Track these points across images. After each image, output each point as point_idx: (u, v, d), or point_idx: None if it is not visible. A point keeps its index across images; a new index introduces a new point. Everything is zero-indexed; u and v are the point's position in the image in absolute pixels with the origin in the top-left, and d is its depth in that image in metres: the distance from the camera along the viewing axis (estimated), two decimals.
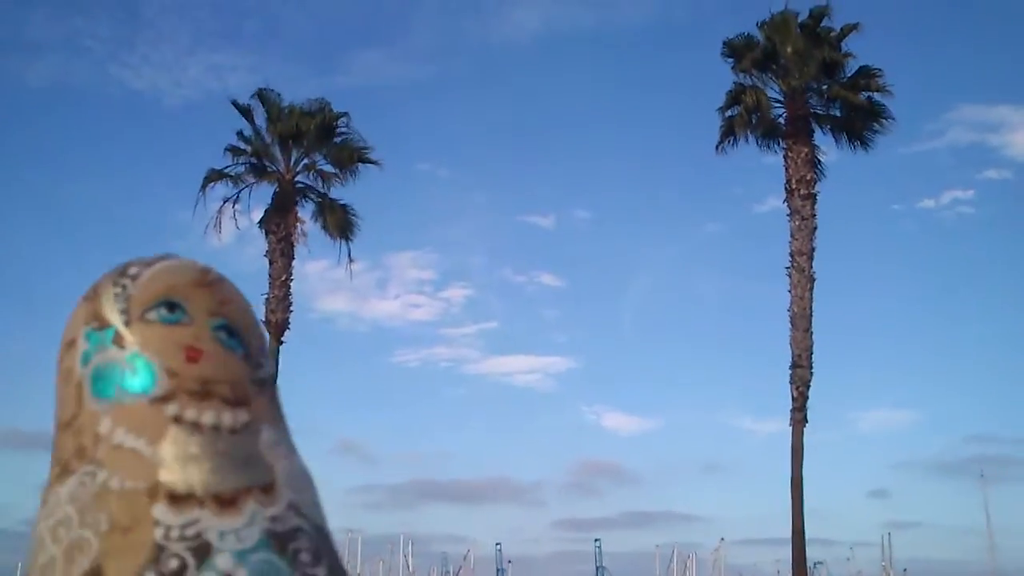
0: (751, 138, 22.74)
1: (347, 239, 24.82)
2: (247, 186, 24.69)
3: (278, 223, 24.05)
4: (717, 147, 23.12)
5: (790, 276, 21.72)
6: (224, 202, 24.61)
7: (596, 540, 57.56)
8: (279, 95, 25.02)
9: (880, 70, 22.32)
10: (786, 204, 22.03)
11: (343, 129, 25.03)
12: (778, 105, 22.52)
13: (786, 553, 21.95)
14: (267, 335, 0.69)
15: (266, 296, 23.86)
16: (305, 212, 24.77)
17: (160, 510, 0.24)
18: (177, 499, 0.25)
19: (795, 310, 21.52)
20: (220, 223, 24.50)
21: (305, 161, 24.85)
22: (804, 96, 22.30)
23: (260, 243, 24.45)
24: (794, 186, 21.84)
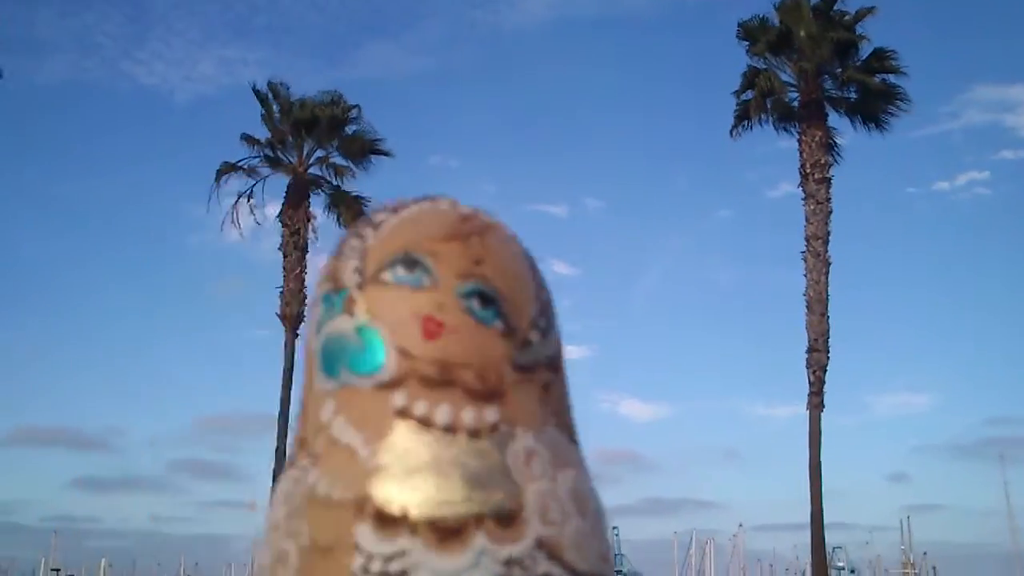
0: (765, 122, 22.61)
1: None
2: (261, 179, 24.75)
3: (291, 216, 24.07)
4: (731, 131, 23.01)
5: (805, 260, 21.60)
6: (239, 196, 24.68)
7: (614, 528, 57.66)
8: (287, 88, 25.03)
9: (895, 52, 22.16)
10: (801, 188, 21.90)
11: (355, 121, 25.04)
12: (792, 89, 22.38)
13: (805, 538, 21.88)
14: (552, 305, 0.35)
15: (280, 289, 23.92)
16: (318, 204, 24.82)
17: (364, 532, 0.21)
18: (386, 521, 0.21)
19: (811, 294, 21.40)
20: (237, 217, 24.58)
21: (318, 153, 24.87)
22: (818, 79, 22.14)
23: (276, 236, 24.52)
24: (809, 170, 21.70)
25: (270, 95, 24.80)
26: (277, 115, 24.72)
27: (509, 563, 0.21)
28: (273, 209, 24.73)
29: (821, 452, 20.35)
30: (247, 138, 24.63)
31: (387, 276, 0.23)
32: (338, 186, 24.80)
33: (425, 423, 0.21)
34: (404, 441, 0.21)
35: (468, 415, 0.22)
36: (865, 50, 22.13)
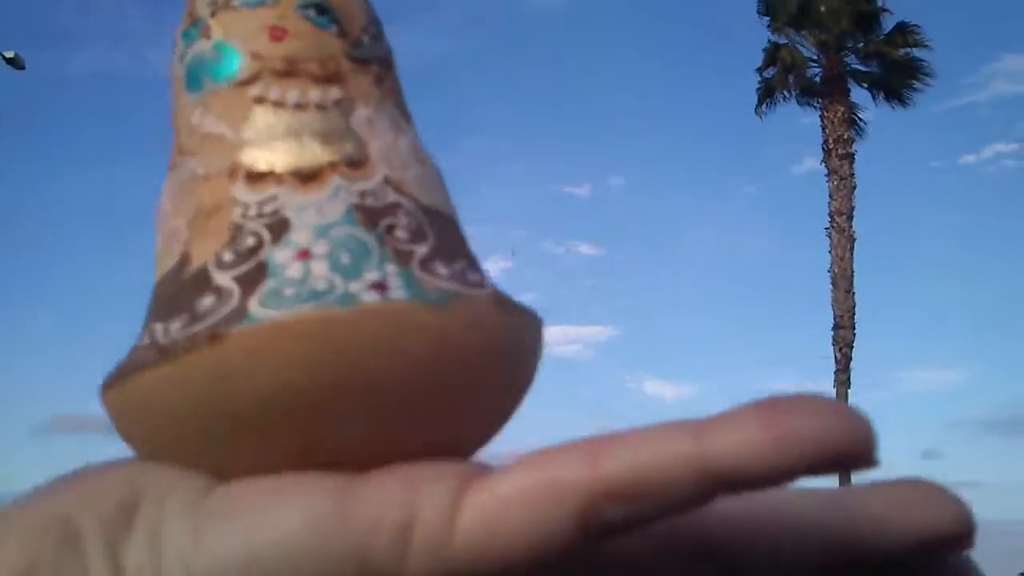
0: (789, 98, 22.48)
1: None
2: None
3: None
4: (756, 109, 22.89)
5: (830, 237, 21.50)
6: None
7: None
8: None
9: (918, 26, 21.92)
10: (824, 164, 21.76)
11: None
12: (813, 64, 22.22)
13: None
14: (378, 18, 0.30)
15: None
16: None
17: (240, 190, 0.26)
18: (256, 177, 0.26)
19: (836, 271, 21.31)
20: None
21: None
22: (840, 53, 21.97)
23: None
24: (831, 145, 21.57)
25: None
26: None
27: (363, 195, 0.26)
28: None
29: None
30: None
31: (235, 2, 0.28)
32: None
33: (279, 104, 0.27)
34: (263, 120, 0.26)
35: (314, 94, 0.27)
36: (888, 23, 21.94)
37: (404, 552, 0.22)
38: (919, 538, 0.23)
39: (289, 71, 0.27)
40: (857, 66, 22.41)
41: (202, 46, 0.28)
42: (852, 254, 21.12)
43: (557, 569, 0.22)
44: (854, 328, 20.96)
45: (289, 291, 0.24)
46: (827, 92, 21.87)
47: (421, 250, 0.26)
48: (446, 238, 0.26)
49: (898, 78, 22.04)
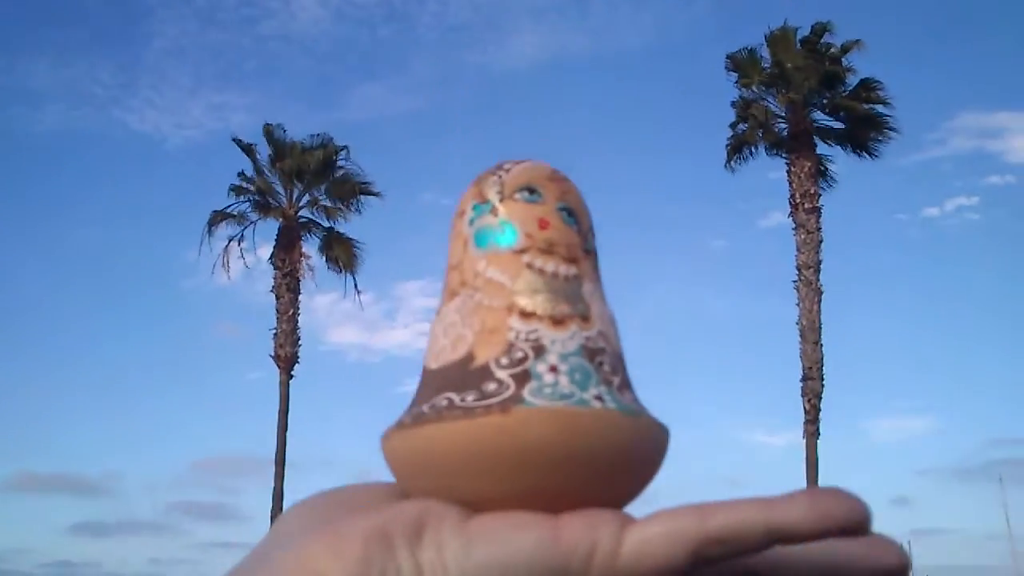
0: (757, 153, 22.81)
1: (353, 271, 24.93)
2: (251, 223, 24.86)
3: (283, 259, 24.17)
4: (727, 164, 23.20)
5: (797, 289, 21.70)
6: (229, 241, 24.75)
7: None
8: (284, 130, 25.22)
9: (881, 83, 22.40)
10: (791, 218, 22.04)
11: (344, 163, 25.19)
12: (781, 120, 22.60)
13: None
14: (592, 220, 0.45)
15: (274, 331, 23.95)
16: (311, 246, 24.91)
17: (514, 320, 0.38)
18: (525, 315, 0.38)
19: (804, 323, 21.49)
20: (227, 262, 24.66)
21: (307, 197, 24.99)
22: (806, 110, 22.36)
23: (268, 279, 24.58)
24: (799, 200, 21.87)
25: (265, 140, 24.97)
26: (265, 161, 24.89)
27: (587, 339, 0.38)
28: (265, 252, 24.86)
29: (818, 479, 20.33)
30: (236, 189, 24.80)
31: (517, 196, 0.40)
32: (331, 228, 24.93)
33: (541, 271, 0.38)
34: (530, 278, 0.38)
35: (562, 269, 0.39)
36: (852, 81, 22.38)
37: (589, 568, 0.35)
38: (877, 569, 0.38)
39: (548, 250, 0.40)
40: (824, 122, 22.82)
41: (490, 220, 0.41)
42: (819, 306, 21.32)
43: None
44: (823, 379, 21.12)
45: (547, 390, 0.36)
46: (794, 147, 22.23)
47: (616, 380, 0.39)
48: (626, 374, 0.40)
49: (863, 132, 22.44)
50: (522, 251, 0.40)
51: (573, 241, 0.41)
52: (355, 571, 0.34)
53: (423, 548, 0.35)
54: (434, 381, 0.39)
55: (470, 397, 0.37)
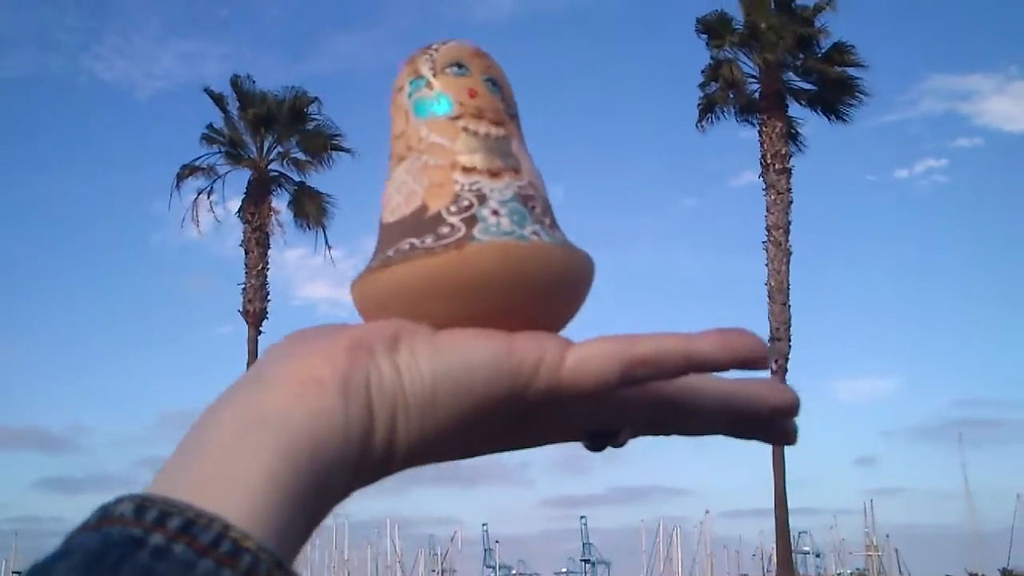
0: (729, 113, 22.80)
1: (323, 226, 24.78)
2: (221, 176, 24.61)
3: (253, 212, 23.97)
4: (698, 124, 23.19)
5: (766, 250, 21.83)
6: (199, 194, 24.55)
7: (582, 517, 57.93)
8: (253, 82, 24.88)
9: (853, 46, 22.41)
10: (762, 178, 22.11)
11: (316, 116, 24.93)
12: (753, 80, 22.58)
13: (771, 524, 22.17)
14: (511, 89, 0.50)
15: (243, 286, 23.81)
16: (281, 201, 24.71)
17: (457, 175, 0.45)
18: (466, 170, 0.45)
19: (772, 284, 21.64)
20: (197, 214, 24.43)
21: (278, 149, 24.75)
22: (779, 71, 22.34)
23: (238, 232, 24.37)
24: (769, 160, 21.93)
25: (233, 92, 24.65)
26: (236, 112, 24.58)
27: (520, 187, 0.45)
28: (234, 205, 24.64)
29: None
30: (207, 137, 24.51)
31: (448, 71, 0.47)
32: (301, 182, 24.73)
33: (474, 133, 0.45)
34: (466, 140, 0.45)
35: (492, 130, 0.46)
36: (826, 43, 22.36)
37: (535, 376, 0.42)
38: (772, 407, 0.47)
39: (478, 115, 0.46)
40: (796, 83, 22.82)
41: (426, 92, 0.47)
42: (788, 267, 21.49)
43: (598, 404, 0.44)
44: (790, 340, 21.33)
45: (493, 229, 0.44)
46: (766, 108, 22.22)
47: (547, 220, 0.46)
48: (554, 216, 0.47)
49: (835, 95, 22.46)
50: (457, 117, 0.46)
51: (499, 107, 0.47)
52: (343, 370, 0.40)
53: (399, 353, 0.42)
54: (393, 231, 0.46)
55: (428, 239, 0.44)
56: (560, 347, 0.43)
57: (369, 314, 0.46)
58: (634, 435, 0.48)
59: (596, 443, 0.48)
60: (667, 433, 0.49)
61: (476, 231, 0.44)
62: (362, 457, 0.40)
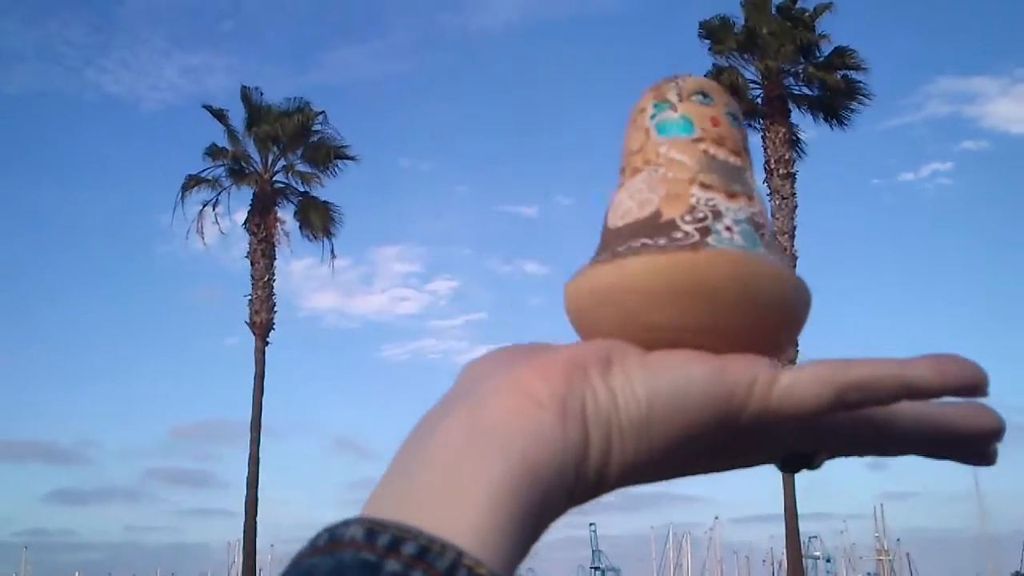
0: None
1: (329, 236, 24.84)
2: (225, 189, 24.69)
3: (258, 224, 24.03)
4: None
5: None
6: (204, 206, 24.62)
7: (591, 524, 57.82)
8: (262, 94, 24.96)
9: (855, 51, 22.42)
10: (766, 184, 22.11)
11: (320, 128, 24.99)
12: (755, 86, 22.60)
13: (781, 529, 22.10)
14: (745, 128, 0.52)
15: (249, 297, 23.86)
16: (286, 211, 24.77)
17: (695, 189, 0.46)
18: (704, 186, 0.46)
19: None
20: (202, 227, 24.51)
21: (283, 162, 24.81)
22: (781, 77, 22.36)
23: (244, 244, 24.43)
24: (773, 166, 21.94)
25: (242, 103, 24.72)
26: (240, 126, 24.67)
27: (752, 214, 0.46)
28: (240, 217, 24.70)
29: None
30: (211, 153, 24.58)
31: (693, 98, 0.48)
32: (306, 192, 24.79)
33: (714, 158, 0.46)
34: (706, 161, 0.46)
35: (731, 159, 0.47)
36: (827, 48, 22.37)
37: (749, 399, 0.41)
38: (979, 430, 0.45)
39: (719, 142, 0.48)
40: (797, 89, 22.83)
41: (670, 115, 0.48)
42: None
43: (800, 426, 0.44)
44: (796, 345, 21.09)
45: (726, 242, 0.44)
46: (768, 114, 22.24)
47: (775, 248, 0.46)
48: (779, 249, 0.48)
49: (837, 100, 22.46)
50: (699, 140, 0.47)
51: (737, 138, 0.49)
52: (561, 391, 0.40)
53: (613, 375, 0.41)
54: (621, 233, 0.46)
55: (662, 240, 0.44)
56: (772, 371, 0.42)
57: (587, 307, 0.46)
58: (831, 456, 0.48)
59: (792, 465, 0.47)
60: (864, 454, 0.48)
61: (710, 239, 0.44)
62: (577, 479, 0.40)
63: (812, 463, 0.47)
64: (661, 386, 0.41)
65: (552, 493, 0.38)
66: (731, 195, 0.46)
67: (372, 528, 0.34)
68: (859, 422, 0.45)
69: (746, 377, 0.42)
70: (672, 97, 0.49)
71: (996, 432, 0.45)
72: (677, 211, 0.45)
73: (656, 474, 0.46)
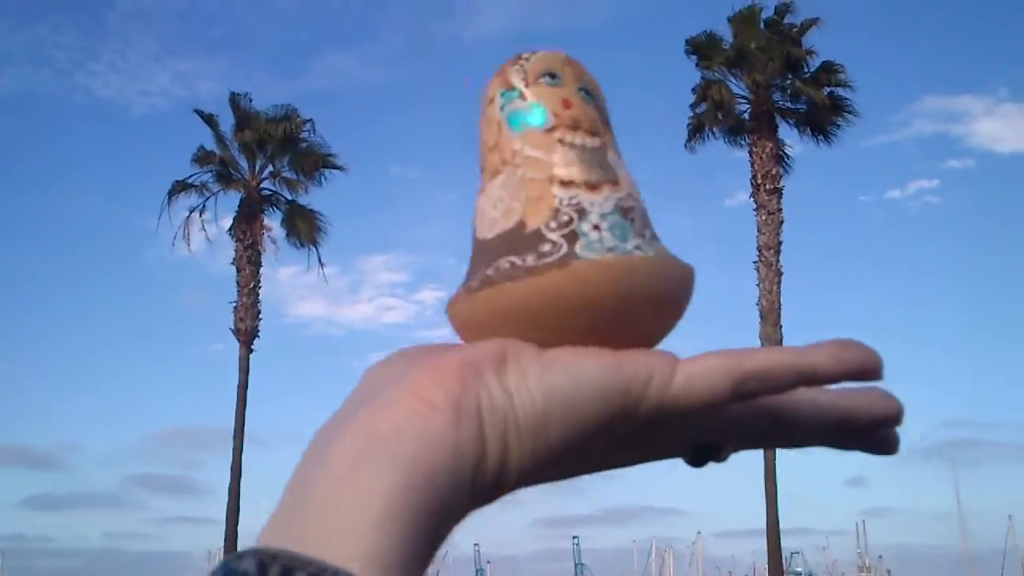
0: (718, 134, 22.87)
1: (315, 244, 24.79)
2: (213, 195, 24.62)
3: (245, 231, 23.97)
4: (686, 144, 23.26)
5: (758, 270, 21.85)
6: (191, 212, 24.56)
7: (575, 538, 57.76)
8: (251, 100, 24.92)
9: (842, 65, 22.55)
10: (752, 199, 22.17)
11: (307, 135, 24.96)
12: (742, 101, 22.68)
13: (763, 544, 22.09)
14: (604, 97, 0.50)
15: (234, 304, 23.77)
16: (273, 219, 24.72)
17: (556, 189, 0.44)
18: (564, 184, 0.44)
19: (763, 304, 21.65)
20: (188, 233, 24.44)
21: (270, 168, 24.77)
22: (768, 92, 22.45)
23: (231, 249, 24.35)
24: (760, 181, 21.99)
25: (231, 109, 24.69)
26: (229, 132, 24.62)
27: (620, 199, 0.44)
28: (227, 223, 24.63)
29: (776, 459, 20.58)
30: (198, 159, 24.52)
31: (540, 81, 0.46)
32: (293, 200, 24.74)
33: (571, 144, 0.44)
34: (563, 152, 0.44)
35: (588, 141, 0.45)
36: (813, 63, 22.48)
37: (646, 392, 0.41)
38: (875, 416, 0.45)
39: (574, 126, 0.45)
40: (784, 104, 22.92)
41: (519, 104, 0.46)
42: (779, 287, 21.50)
43: (703, 419, 0.44)
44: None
45: (595, 245, 0.43)
46: (755, 129, 22.31)
47: (647, 232, 0.45)
48: (652, 227, 0.46)
49: (823, 116, 22.55)
50: (552, 129, 0.45)
51: (593, 116, 0.47)
52: (454, 392, 0.39)
53: (508, 374, 0.41)
54: (491, 248, 0.45)
55: (530, 258, 0.43)
56: (669, 363, 0.42)
57: (470, 335, 0.46)
58: (736, 449, 0.48)
59: (698, 458, 0.47)
60: (769, 446, 0.48)
61: (578, 248, 0.43)
62: (475, 481, 0.39)
63: (719, 456, 0.47)
64: (557, 383, 0.41)
65: (450, 497, 0.38)
66: (593, 186, 0.45)
67: (263, 560, 0.34)
68: (760, 413, 0.45)
69: (642, 371, 0.41)
70: (518, 83, 0.47)
71: (894, 417, 0.46)
72: (541, 219, 0.44)
73: (558, 472, 0.46)
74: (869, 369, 0.42)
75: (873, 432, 0.47)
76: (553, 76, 0.47)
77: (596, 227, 0.44)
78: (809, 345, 0.42)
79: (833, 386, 0.44)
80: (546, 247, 0.43)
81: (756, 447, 0.48)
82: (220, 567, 0.35)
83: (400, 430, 0.38)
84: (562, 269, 0.43)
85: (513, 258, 0.44)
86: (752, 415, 0.45)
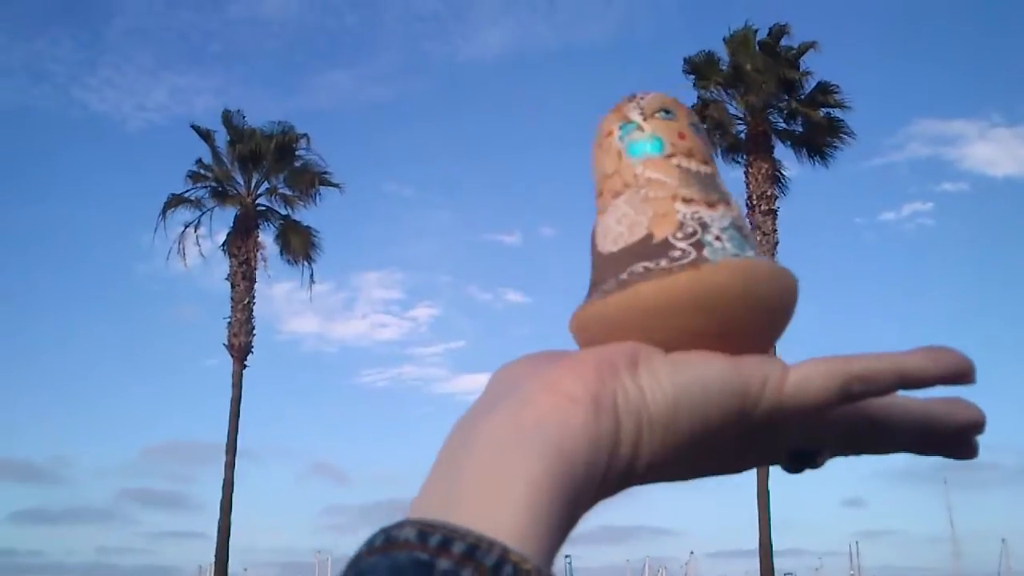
0: (716, 154, 22.88)
1: (310, 261, 24.80)
2: (208, 210, 24.63)
3: (239, 246, 23.96)
4: None
5: None
6: (185, 227, 24.58)
7: (567, 556, 57.55)
8: (244, 117, 24.97)
9: (838, 86, 22.65)
10: (747, 219, 22.11)
11: (304, 152, 25.00)
12: (739, 121, 22.75)
13: (756, 564, 22.01)
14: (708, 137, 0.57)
15: (228, 320, 23.74)
16: (268, 235, 24.72)
17: (679, 205, 0.47)
18: (686, 201, 0.47)
19: None
20: (183, 248, 24.43)
21: (266, 185, 24.79)
22: (764, 112, 22.54)
23: (224, 266, 24.33)
24: (755, 201, 22.07)
25: (224, 126, 24.72)
26: (224, 148, 24.64)
27: (734, 217, 0.48)
28: (222, 237, 24.62)
29: (769, 480, 20.55)
30: (194, 175, 24.54)
31: (657, 116, 0.50)
32: (287, 216, 24.75)
33: (688, 170, 0.48)
34: (682, 175, 0.48)
35: (703, 168, 0.48)
36: (810, 84, 22.57)
37: (762, 394, 0.45)
38: (961, 423, 0.49)
39: (688, 154, 0.50)
40: (780, 125, 23.00)
41: (639, 134, 0.50)
42: None
43: (808, 424, 0.48)
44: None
45: (720, 252, 0.47)
46: (752, 149, 22.40)
47: (752, 240, 0.49)
48: (756, 241, 0.51)
49: (820, 137, 22.63)
50: (670, 156, 0.50)
51: (704, 148, 0.51)
52: (593, 387, 0.43)
53: (640, 373, 0.45)
54: (619, 259, 0.49)
55: (663, 262, 0.47)
56: (781, 367, 0.46)
57: (603, 334, 0.48)
58: (832, 455, 0.50)
59: (796, 465, 0.50)
60: (861, 453, 0.51)
61: (706, 252, 0.47)
62: (607, 472, 0.42)
63: (816, 461, 0.50)
64: (685, 380, 0.44)
65: (585, 486, 0.41)
66: (711, 204, 0.49)
67: (423, 529, 0.37)
68: (857, 417, 0.48)
69: (758, 374, 0.45)
70: (636, 117, 0.51)
71: (978, 424, 0.49)
72: (667, 230, 0.48)
73: (681, 470, 0.49)
74: (964, 372, 0.46)
75: (957, 438, 0.50)
76: (668, 112, 0.51)
77: (718, 238, 0.48)
78: (907, 350, 0.46)
79: (917, 394, 0.48)
80: (676, 253, 0.47)
81: (849, 453, 0.51)
82: (380, 532, 0.37)
83: (544, 421, 0.41)
84: (695, 269, 0.46)
85: (646, 263, 0.47)
86: (849, 419, 0.48)
